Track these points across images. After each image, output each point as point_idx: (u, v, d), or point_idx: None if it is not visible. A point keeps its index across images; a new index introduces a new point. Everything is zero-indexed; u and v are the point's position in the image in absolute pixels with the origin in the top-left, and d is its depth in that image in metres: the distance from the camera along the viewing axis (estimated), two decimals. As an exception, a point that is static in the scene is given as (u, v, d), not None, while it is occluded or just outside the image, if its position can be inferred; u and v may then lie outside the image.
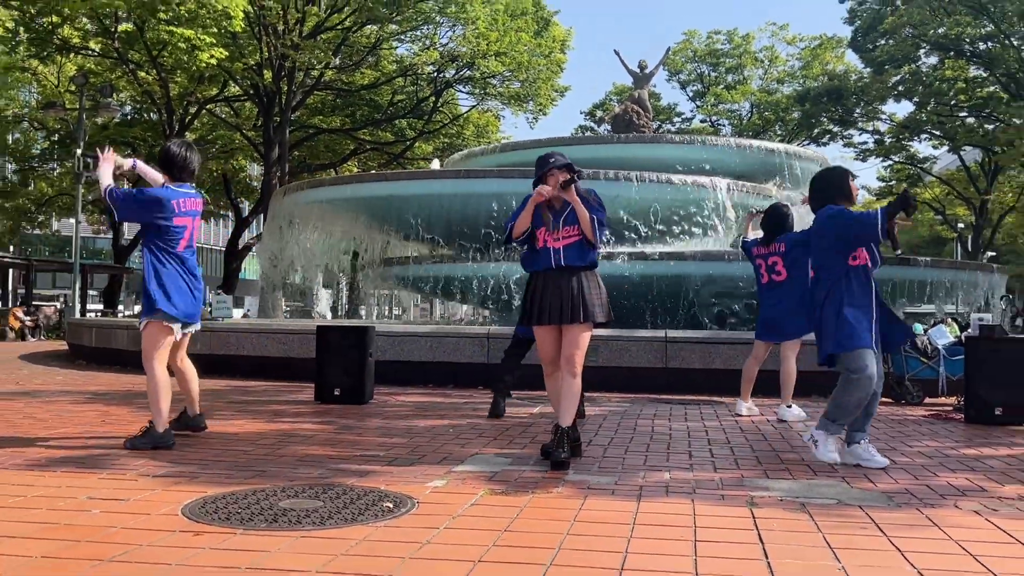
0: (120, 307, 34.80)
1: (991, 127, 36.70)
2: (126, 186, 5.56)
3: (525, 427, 6.71)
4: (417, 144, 35.12)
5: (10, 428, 6.30)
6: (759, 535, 3.53)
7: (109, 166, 5.61)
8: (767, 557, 3.22)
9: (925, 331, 9.56)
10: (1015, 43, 33.78)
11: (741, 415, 7.67)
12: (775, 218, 7.64)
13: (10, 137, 36.25)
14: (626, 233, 12.97)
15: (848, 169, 5.63)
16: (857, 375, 5.07)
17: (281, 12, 27.91)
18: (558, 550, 3.27)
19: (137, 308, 31.48)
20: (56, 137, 33.77)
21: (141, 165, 6.04)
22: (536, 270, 5.18)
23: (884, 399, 9.05)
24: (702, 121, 45.63)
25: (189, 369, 5.95)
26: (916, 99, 37.74)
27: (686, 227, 13.45)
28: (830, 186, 5.43)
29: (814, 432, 5.36)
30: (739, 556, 3.23)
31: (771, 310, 7.52)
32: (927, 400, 8.99)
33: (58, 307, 32.33)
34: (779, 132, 42.36)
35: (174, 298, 5.47)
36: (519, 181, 12.47)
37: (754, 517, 3.84)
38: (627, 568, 3.06)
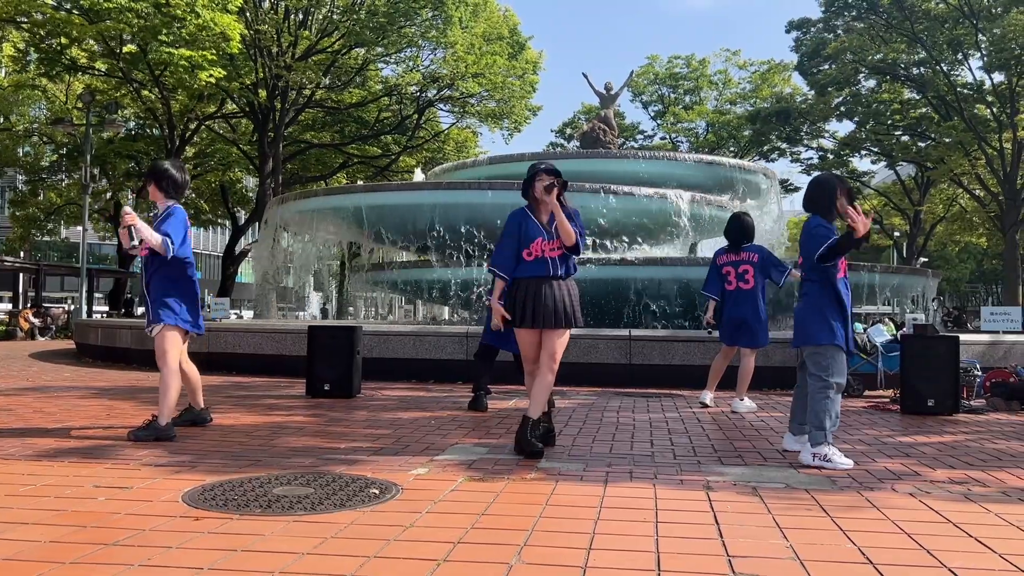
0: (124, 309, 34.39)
1: (923, 145, 37.22)
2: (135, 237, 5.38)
3: (501, 419, 6.70)
4: (402, 158, 35.03)
5: (21, 421, 6.21)
6: (715, 516, 3.55)
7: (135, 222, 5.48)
8: (722, 536, 3.23)
9: (864, 330, 9.66)
10: (944, 68, 34.24)
11: (706, 405, 7.66)
12: (741, 227, 7.62)
13: (21, 150, 35.86)
14: (594, 240, 13.01)
15: (839, 181, 5.17)
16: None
17: (275, 35, 27.77)
18: (531, 531, 3.27)
19: (140, 310, 31.12)
20: (64, 150, 33.44)
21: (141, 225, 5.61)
22: (531, 276, 5.01)
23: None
24: (662, 138, 45.85)
25: (193, 368, 5.99)
26: (856, 119, 38.20)
27: (648, 235, 13.52)
28: (822, 195, 5.06)
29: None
30: (697, 536, 3.25)
31: (737, 315, 7.51)
32: (867, 393, 9.09)
33: (66, 309, 31.96)
34: (732, 148, 42.65)
35: (189, 308, 5.60)
36: (494, 192, 12.50)
37: (710, 500, 3.86)
38: (595, 548, 3.06)
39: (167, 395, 5.44)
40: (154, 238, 5.42)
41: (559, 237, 4.99)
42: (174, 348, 5.55)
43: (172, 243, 5.45)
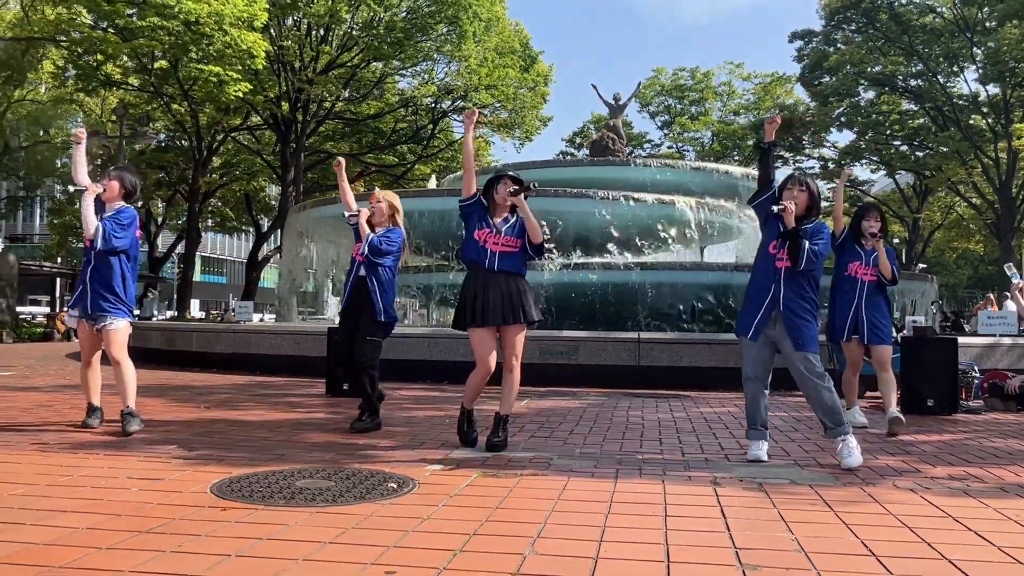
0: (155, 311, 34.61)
1: (921, 154, 37.02)
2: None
3: (514, 418, 6.68)
4: (417, 166, 35.13)
5: (59, 416, 6.26)
6: (722, 511, 3.53)
7: (82, 148, 5.75)
8: (729, 530, 3.22)
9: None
10: (941, 80, 34.09)
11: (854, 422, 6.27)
12: None
13: (59, 161, 36.21)
14: (606, 245, 12.99)
15: (785, 181, 4.98)
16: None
17: (298, 51, 27.92)
18: (544, 524, 3.26)
19: (169, 313, 31.30)
20: (99, 162, 33.63)
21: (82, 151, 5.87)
22: (474, 262, 4.98)
23: (829, 392, 9.08)
24: (669, 147, 45.79)
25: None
26: (856, 129, 38.04)
27: (656, 240, 13.48)
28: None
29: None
30: (704, 529, 3.23)
31: None
32: (868, 393, 9.01)
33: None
34: (736, 157, 42.54)
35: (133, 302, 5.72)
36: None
37: (717, 495, 3.84)
38: (606, 540, 3.05)
39: (134, 383, 5.62)
40: (90, 222, 5.46)
41: (509, 236, 4.99)
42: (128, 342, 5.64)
43: (105, 237, 5.47)
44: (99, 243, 5.46)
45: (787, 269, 4.72)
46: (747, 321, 4.84)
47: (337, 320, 7.48)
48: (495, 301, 4.90)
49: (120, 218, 5.58)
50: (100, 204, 5.67)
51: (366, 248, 5.82)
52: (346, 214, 6.14)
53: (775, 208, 4.74)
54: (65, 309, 29.77)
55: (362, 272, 5.90)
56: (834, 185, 42.32)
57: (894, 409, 6.04)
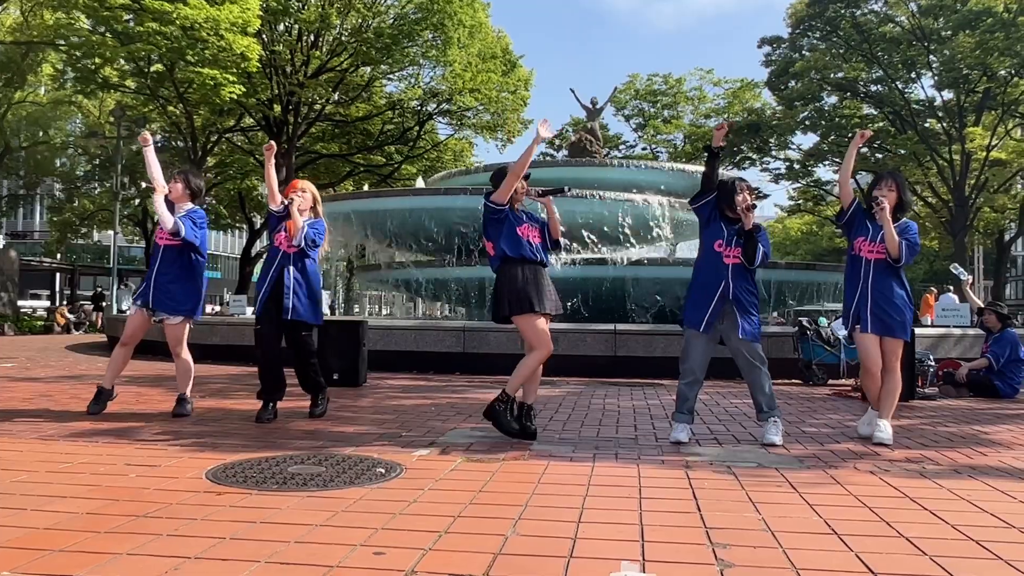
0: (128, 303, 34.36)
1: (881, 156, 37.30)
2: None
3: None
4: (403, 166, 34.96)
5: (59, 406, 6.19)
6: (693, 492, 3.55)
7: (151, 151, 5.89)
8: (700, 510, 3.23)
9: (828, 324, 9.66)
10: (899, 86, 34.37)
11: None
12: None
13: (58, 161, 35.79)
14: (585, 241, 12.99)
15: (735, 183, 4.96)
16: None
17: (289, 55, 27.71)
18: (525, 506, 3.26)
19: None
20: (97, 161, 33.39)
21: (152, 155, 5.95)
22: (523, 256, 4.88)
23: (794, 381, 9.17)
24: (643, 149, 45.81)
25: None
26: (820, 132, 38.23)
27: (630, 236, 13.50)
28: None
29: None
30: (677, 510, 3.24)
31: None
32: (830, 382, 9.10)
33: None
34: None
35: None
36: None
37: (689, 478, 3.86)
38: (584, 521, 3.06)
39: (190, 374, 5.89)
40: (167, 218, 5.61)
41: (536, 228, 5.04)
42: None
43: (184, 231, 5.63)
44: (184, 233, 5.57)
45: (735, 266, 4.87)
46: (698, 315, 4.91)
47: (328, 313, 7.37)
48: (551, 292, 4.93)
49: (194, 217, 5.75)
50: (170, 205, 5.77)
51: (301, 239, 5.45)
52: (273, 208, 5.67)
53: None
54: (64, 302, 29.43)
55: (287, 262, 5.51)
56: (800, 185, 42.63)
57: (884, 423, 4.95)
